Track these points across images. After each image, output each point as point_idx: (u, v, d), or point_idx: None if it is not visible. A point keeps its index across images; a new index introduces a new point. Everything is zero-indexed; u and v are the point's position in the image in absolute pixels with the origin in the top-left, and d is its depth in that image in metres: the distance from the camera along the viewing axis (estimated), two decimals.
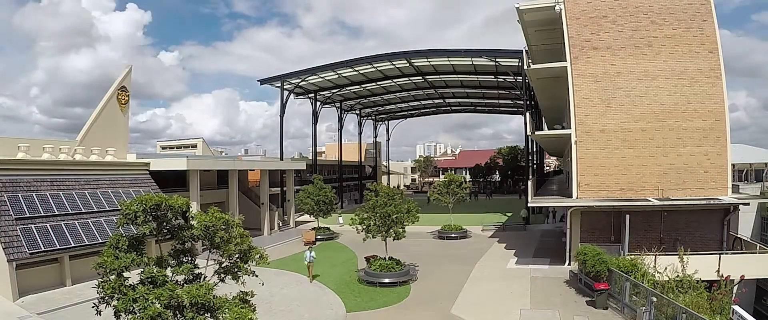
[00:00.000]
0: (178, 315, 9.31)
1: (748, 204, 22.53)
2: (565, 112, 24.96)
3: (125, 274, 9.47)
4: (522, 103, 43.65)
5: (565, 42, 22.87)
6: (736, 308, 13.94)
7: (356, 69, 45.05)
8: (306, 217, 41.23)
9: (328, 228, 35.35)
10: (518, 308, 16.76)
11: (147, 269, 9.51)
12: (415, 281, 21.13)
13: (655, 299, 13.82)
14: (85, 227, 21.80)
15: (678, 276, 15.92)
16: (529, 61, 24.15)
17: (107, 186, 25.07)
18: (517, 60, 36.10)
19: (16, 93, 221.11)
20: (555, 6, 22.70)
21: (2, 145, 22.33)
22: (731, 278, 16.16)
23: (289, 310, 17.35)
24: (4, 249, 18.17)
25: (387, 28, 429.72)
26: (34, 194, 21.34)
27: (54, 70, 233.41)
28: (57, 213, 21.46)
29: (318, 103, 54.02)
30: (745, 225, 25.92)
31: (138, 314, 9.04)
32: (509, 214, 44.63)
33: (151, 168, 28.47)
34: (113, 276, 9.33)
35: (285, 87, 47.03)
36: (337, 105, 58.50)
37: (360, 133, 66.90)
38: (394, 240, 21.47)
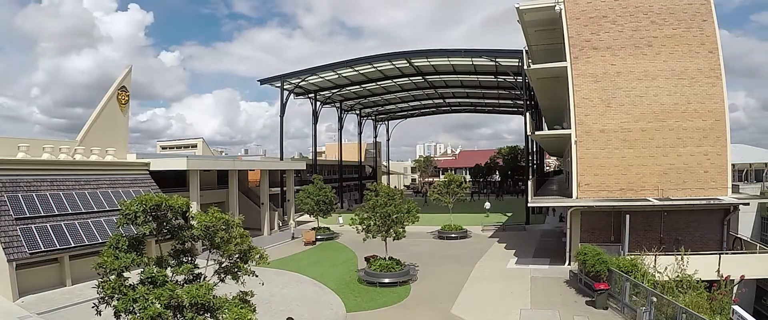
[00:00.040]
0: (178, 315, 9.31)
1: (748, 204, 22.53)
2: (565, 112, 24.96)
3: (125, 274, 9.47)
4: (522, 103, 43.66)
5: (565, 42, 22.87)
6: (736, 308, 13.93)
7: (356, 69, 45.05)
8: (306, 217, 41.21)
9: (328, 228, 35.35)
10: (518, 308, 16.76)
11: (147, 269, 9.52)
12: (415, 281, 21.13)
13: (655, 299, 13.82)
14: (85, 227, 21.80)
15: (678, 276, 15.93)
16: (529, 61, 24.15)
17: (107, 186, 25.07)
18: (517, 60, 36.11)
19: (18, 93, 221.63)
20: (555, 6, 22.70)
21: (2, 145, 22.32)
22: (731, 278, 16.16)
23: (289, 310, 17.31)
24: (4, 249, 18.17)
25: (387, 28, 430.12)
26: (34, 194, 21.34)
27: (55, 70, 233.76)
28: (57, 213, 21.46)
29: (318, 103, 54.03)
30: (745, 225, 25.93)
31: (138, 314, 9.04)
32: (509, 214, 44.62)
33: (151, 169, 28.47)
34: (113, 276, 9.33)
35: (285, 87, 47.04)
36: (337, 105, 58.51)
37: (360, 133, 67.00)
38: (394, 240, 21.46)
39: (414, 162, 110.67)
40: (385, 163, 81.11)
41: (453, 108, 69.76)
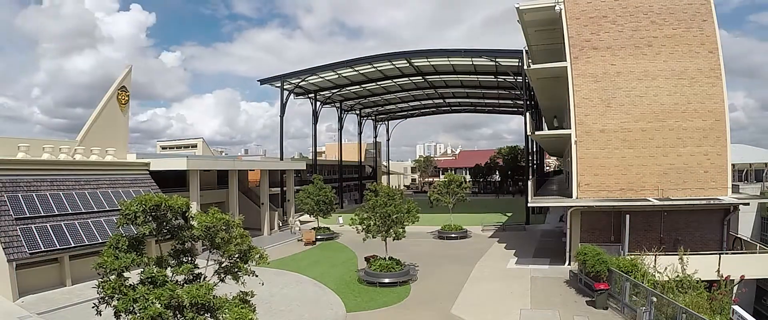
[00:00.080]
0: (178, 315, 9.31)
1: (748, 204, 22.53)
2: (565, 112, 24.97)
3: (125, 274, 9.47)
4: (522, 103, 43.66)
5: (565, 42, 22.87)
6: (736, 308, 13.94)
7: (356, 69, 45.06)
8: (306, 217, 41.22)
9: (328, 228, 35.35)
10: (518, 308, 16.76)
11: (147, 269, 9.52)
12: (415, 281, 21.13)
13: (655, 299, 13.82)
14: (85, 227, 21.80)
15: (678, 276, 15.93)
16: (529, 61, 24.14)
17: (107, 186, 25.07)
18: (517, 60, 36.11)
19: (18, 93, 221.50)
20: (555, 6, 22.70)
21: (2, 145, 22.32)
22: (731, 278, 16.17)
23: (289, 310, 17.35)
24: (4, 249, 18.17)
25: (387, 28, 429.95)
26: (34, 194, 21.34)
27: (56, 70, 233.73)
28: (57, 213, 21.46)
29: (318, 103, 54.02)
30: (745, 225, 25.93)
31: (138, 314, 9.04)
32: (509, 214, 44.62)
33: (151, 168, 28.47)
34: (113, 276, 9.33)
35: (285, 87, 47.04)
36: (337, 105, 58.50)
37: (360, 133, 66.99)
38: (394, 240, 21.47)
39: (414, 162, 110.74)
40: (385, 163, 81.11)
41: (453, 108, 69.75)
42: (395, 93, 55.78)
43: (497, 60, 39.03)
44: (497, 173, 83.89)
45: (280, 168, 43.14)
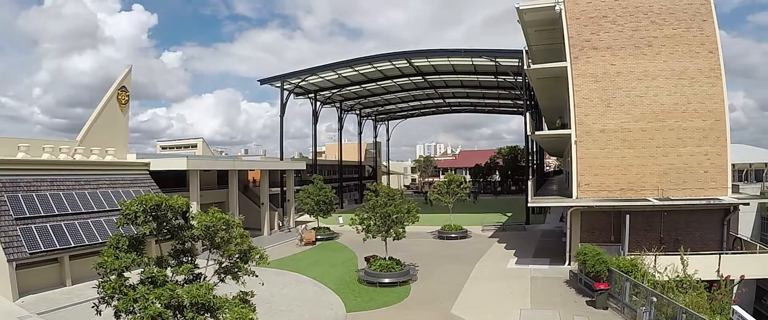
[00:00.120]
0: (179, 315, 9.31)
1: (748, 204, 22.53)
2: (565, 112, 24.96)
3: (125, 274, 9.47)
4: (522, 103, 43.66)
5: (565, 42, 22.87)
6: (736, 308, 13.94)
7: (356, 69, 45.06)
8: (306, 217, 41.23)
9: (328, 228, 35.35)
10: (518, 308, 16.76)
11: (147, 269, 9.51)
12: (415, 281, 21.13)
13: (655, 299, 13.82)
14: (85, 227, 21.80)
15: (678, 276, 15.92)
16: (529, 61, 24.15)
17: (107, 186, 25.07)
18: (517, 60, 36.11)
19: (19, 93, 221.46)
20: (555, 6, 22.70)
21: (2, 145, 22.32)
22: (731, 278, 16.16)
23: (289, 310, 17.35)
24: (4, 249, 18.17)
25: (387, 29, 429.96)
26: (34, 194, 21.34)
27: (57, 71, 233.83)
28: (57, 213, 21.46)
29: (318, 103, 54.02)
30: (745, 225, 25.93)
31: (138, 314, 9.04)
32: (509, 214, 44.62)
33: (151, 168, 28.47)
34: (114, 276, 9.33)
35: (285, 87, 47.04)
36: (337, 105, 58.50)
37: (360, 133, 66.98)
38: (394, 240, 21.46)
39: (414, 163, 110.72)
40: (385, 163, 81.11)
41: (453, 108, 69.75)
42: (395, 93, 55.78)
43: (497, 60, 39.03)
44: (497, 173, 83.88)
45: (280, 168, 43.14)
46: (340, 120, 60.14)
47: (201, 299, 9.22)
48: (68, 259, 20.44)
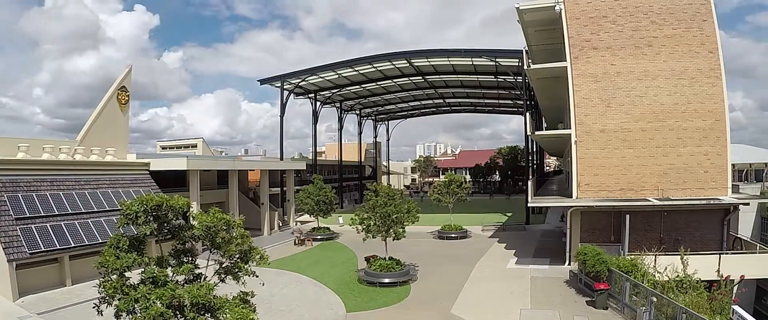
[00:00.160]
0: (179, 315, 9.32)
1: (748, 204, 22.54)
2: (565, 112, 24.97)
3: (126, 274, 9.48)
4: (522, 103, 43.67)
5: (565, 42, 22.88)
6: (736, 308, 13.95)
7: (356, 69, 45.06)
8: (306, 217, 41.23)
9: (328, 228, 35.36)
10: (518, 308, 16.76)
11: (148, 269, 9.52)
12: (415, 281, 21.13)
13: (655, 299, 13.83)
14: (85, 227, 21.80)
15: (678, 276, 15.93)
16: (529, 61, 24.16)
17: (107, 186, 25.07)
18: (517, 60, 36.12)
19: (20, 93, 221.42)
20: (555, 6, 22.71)
21: (2, 145, 22.32)
22: (731, 278, 16.17)
23: (289, 310, 17.35)
24: (4, 249, 18.16)
25: (387, 30, 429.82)
26: (34, 194, 21.34)
27: (58, 71, 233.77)
28: (57, 213, 21.46)
29: (318, 103, 54.03)
30: (745, 225, 25.94)
31: (139, 314, 9.05)
32: (509, 214, 44.63)
33: (151, 168, 28.47)
34: (115, 276, 9.34)
35: (285, 87, 47.04)
36: (337, 105, 58.51)
37: (360, 133, 66.99)
38: (394, 240, 21.47)
39: (414, 163, 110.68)
40: (385, 163, 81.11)
41: (453, 108, 69.77)
42: (395, 93, 55.79)
43: (497, 60, 39.04)
44: (497, 173, 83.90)
45: (280, 168, 43.16)
46: (340, 120, 60.18)
47: (202, 299, 9.23)
48: (68, 259, 20.44)
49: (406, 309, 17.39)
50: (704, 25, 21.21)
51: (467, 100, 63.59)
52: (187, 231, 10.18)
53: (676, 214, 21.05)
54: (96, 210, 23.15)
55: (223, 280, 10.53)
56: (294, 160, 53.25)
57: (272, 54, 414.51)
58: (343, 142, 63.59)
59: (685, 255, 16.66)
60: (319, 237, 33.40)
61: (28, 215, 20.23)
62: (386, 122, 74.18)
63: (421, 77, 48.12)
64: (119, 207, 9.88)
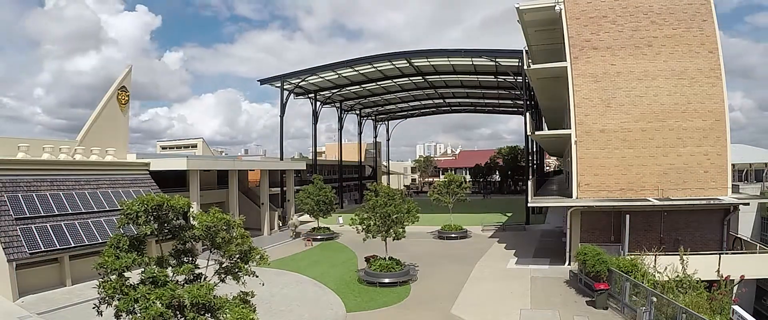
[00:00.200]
0: (179, 316, 9.31)
1: (748, 204, 22.54)
2: (565, 112, 24.97)
3: (126, 274, 9.47)
4: (522, 103, 43.67)
5: (565, 42, 22.87)
6: (736, 308, 13.94)
7: (356, 69, 45.06)
8: (306, 217, 41.22)
9: (328, 228, 35.35)
10: (518, 308, 16.76)
11: (148, 269, 9.52)
12: (415, 281, 21.13)
13: (655, 299, 13.82)
14: (85, 227, 21.79)
15: (678, 276, 15.93)
16: (529, 61, 24.16)
17: (107, 187, 25.06)
18: (517, 60, 36.11)
19: (21, 94, 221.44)
20: (555, 6, 22.71)
21: (2, 145, 22.32)
22: (731, 278, 16.17)
23: (289, 310, 17.35)
24: (4, 249, 18.16)
25: (387, 30, 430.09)
26: (34, 194, 21.33)
27: (59, 72, 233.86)
28: (57, 213, 21.45)
29: (318, 103, 54.01)
30: (745, 225, 25.94)
31: (139, 314, 9.04)
32: (509, 214, 44.63)
33: (151, 168, 28.46)
34: (114, 276, 9.33)
35: (285, 87, 47.03)
36: (337, 105, 58.50)
37: (360, 133, 66.98)
38: (394, 240, 21.46)
39: (414, 163, 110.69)
40: (385, 163, 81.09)
41: (453, 108, 69.76)
42: (395, 93, 55.78)
43: (497, 60, 39.03)
44: (497, 173, 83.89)
45: (280, 168, 43.14)
46: (340, 120, 60.17)
47: (202, 299, 9.23)
48: (68, 259, 20.44)
49: (406, 309, 17.39)
50: (704, 25, 21.21)
51: (467, 100, 63.58)
52: (187, 231, 10.18)
53: (676, 214, 21.04)
54: (96, 210, 23.14)
55: (223, 280, 10.52)
56: (294, 160, 53.24)
57: (272, 54, 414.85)
58: (343, 142, 63.59)
59: (685, 255, 16.67)
60: (319, 237, 33.40)
61: (28, 215, 20.23)
62: (386, 122, 74.16)
63: (421, 77, 48.11)
64: (119, 207, 9.88)
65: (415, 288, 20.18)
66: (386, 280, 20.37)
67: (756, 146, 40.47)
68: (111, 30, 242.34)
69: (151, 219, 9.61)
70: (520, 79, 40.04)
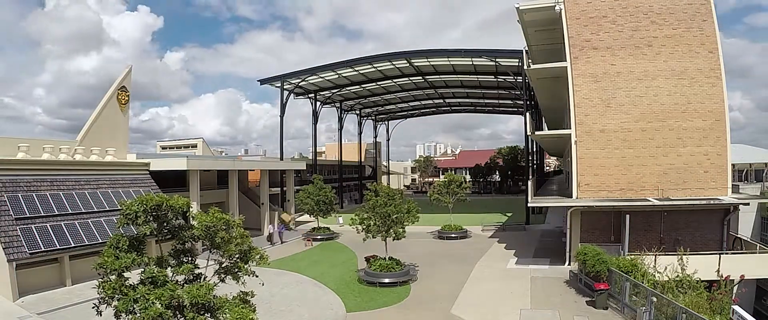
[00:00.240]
0: (179, 316, 9.31)
1: (748, 204, 22.52)
2: (565, 112, 24.97)
3: (125, 274, 9.47)
4: (522, 102, 43.66)
5: (565, 42, 22.87)
6: (736, 308, 13.93)
7: (356, 69, 45.06)
8: (306, 217, 41.22)
9: (328, 228, 35.35)
10: (518, 308, 16.76)
11: (147, 269, 9.51)
12: (415, 281, 21.12)
13: (655, 299, 13.82)
14: (85, 227, 21.79)
15: (678, 276, 15.93)
16: (529, 61, 24.16)
17: (107, 187, 25.06)
18: (517, 60, 36.11)
19: (21, 94, 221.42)
20: (555, 6, 22.70)
21: (2, 145, 22.32)
22: (731, 278, 16.17)
23: (289, 310, 17.35)
24: (4, 249, 18.16)
25: (386, 30, 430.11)
26: (34, 194, 21.33)
27: (59, 72, 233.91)
28: (57, 213, 21.45)
29: (318, 103, 54.02)
30: (745, 225, 25.92)
31: (139, 314, 9.04)
32: (509, 214, 44.62)
33: (151, 169, 28.46)
34: (114, 276, 9.33)
35: (285, 87, 47.04)
36: (337, 105, 58.50)
37: (360, 133, 66.98)
38: (394, 240, 21.46)
39: (414, 163, 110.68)
40: (385, 163, 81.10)
41: (453, 108, 69.76)
42: (395, 93, 55.78)
43: (497, 60, 39.03)
44: (497, 173, 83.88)
45: (280, 168, 43.15)
46: (340, 120, 60.18)
47: (201, 299, 9.22)
48: (68, 259, 20.44)
49: (406, 309, 17.39)
50: (704, 25, 21.20)
51: (467, 100, 63.59)
52: (187, 231, 10.17)
53: (676, 214, 21.04)
54: (96, 210, 23.14)
55: (222, 280, 10.52)
56: (294, 160, 53.24)
57: (272, 55, 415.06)
58: (343, 142, 63.59)
59: (685, 255, 16.66)
60: (319, 237, 33.40)
61: (28, 215, 20.23)
62: (386, 122, 74.18)
63: (421, 77, 48.11)
64: (119, 207, 9.87)
65: (415, 288, 20.18)
66: (386, 280, 20.37)
67: (756, 146, 40.48)
68: (112, 30, 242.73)
69: (151, 219, 9.61)
70: (520, 79, 40.03)
